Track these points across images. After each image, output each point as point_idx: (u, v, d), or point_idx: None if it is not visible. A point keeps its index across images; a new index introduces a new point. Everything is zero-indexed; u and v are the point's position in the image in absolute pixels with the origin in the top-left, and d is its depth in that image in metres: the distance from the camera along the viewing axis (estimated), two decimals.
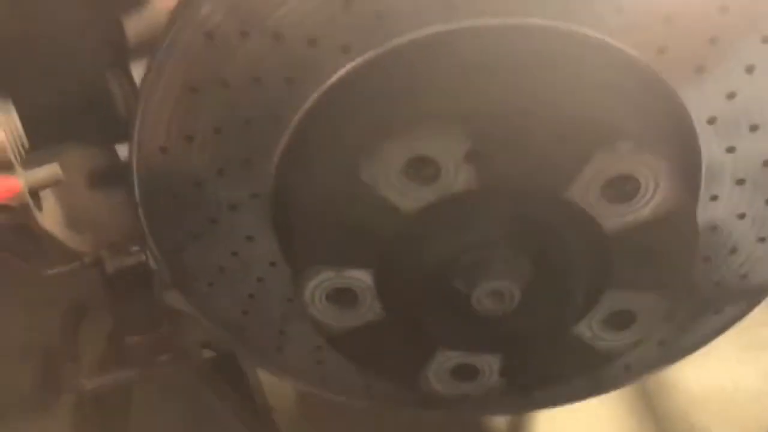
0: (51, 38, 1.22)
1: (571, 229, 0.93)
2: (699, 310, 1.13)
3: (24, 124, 1.16)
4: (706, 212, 1.03)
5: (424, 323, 1.02)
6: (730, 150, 0.99)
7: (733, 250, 1.07)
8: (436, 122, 0.88)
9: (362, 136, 0.91)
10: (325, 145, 0.96)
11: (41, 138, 1.20)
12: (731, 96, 0.95)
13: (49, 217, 1.21)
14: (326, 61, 0.94)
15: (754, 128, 0.97)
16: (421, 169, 0.89)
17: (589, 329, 1.01)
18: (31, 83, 1.21)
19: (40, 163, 1.18)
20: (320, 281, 0.98)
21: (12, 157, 1.12)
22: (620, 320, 1.01)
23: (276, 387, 1.38)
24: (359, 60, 0.93)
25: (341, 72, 0.94)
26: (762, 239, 1.06)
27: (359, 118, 0.93)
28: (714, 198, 1.02)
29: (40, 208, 1.19)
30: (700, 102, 0.95)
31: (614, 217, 0.92)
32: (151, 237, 1.11)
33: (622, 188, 0.90)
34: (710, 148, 0.98)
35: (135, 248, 1.36)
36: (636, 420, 1.61)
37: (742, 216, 1.04)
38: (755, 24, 0.91)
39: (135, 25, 1.15)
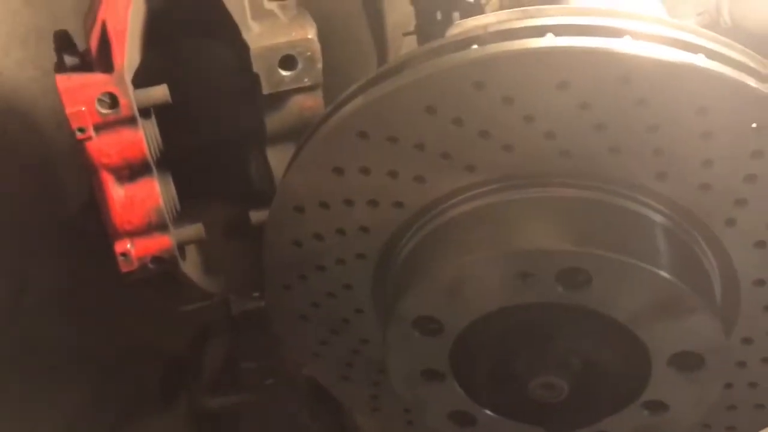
0: (208, 106, 1.37)
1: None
2: None
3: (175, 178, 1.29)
4: None
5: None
6: None
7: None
8: None
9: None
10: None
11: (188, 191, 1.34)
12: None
13: (190, 265, 1.35)
14: (387, 218, 1.12)
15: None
16: None
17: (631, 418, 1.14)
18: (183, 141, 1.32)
19: (187, 219, 1.31)
20: None
21: (167, 220, 1.26)
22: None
23: None
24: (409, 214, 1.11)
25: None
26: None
27: None
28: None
29: (184, 258, 1.33)
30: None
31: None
32: (272, 317, 1.27)
33: None
34: None
35: (256, 294, 1.53)
36: None
37: None
38: None
39: (272, 119, 1.29)
